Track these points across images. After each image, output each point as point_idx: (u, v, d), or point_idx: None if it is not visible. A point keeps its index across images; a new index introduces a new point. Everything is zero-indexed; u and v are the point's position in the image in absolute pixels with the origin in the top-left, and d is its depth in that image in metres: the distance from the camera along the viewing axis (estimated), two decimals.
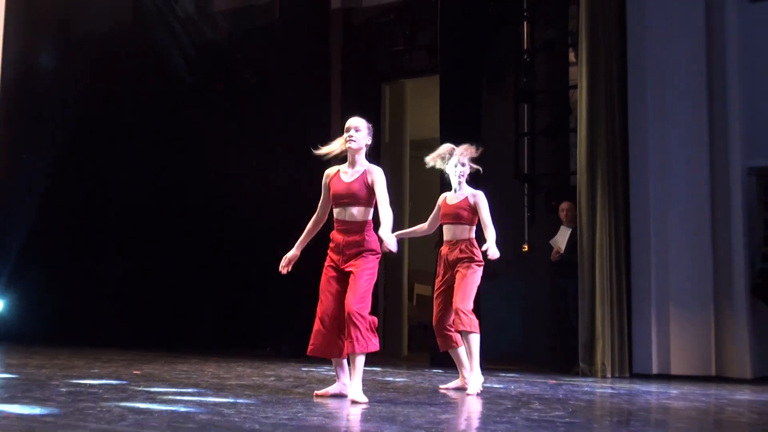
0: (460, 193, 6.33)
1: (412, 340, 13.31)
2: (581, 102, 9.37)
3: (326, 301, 5.22)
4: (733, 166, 9.20)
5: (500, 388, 6.70)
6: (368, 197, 5.26)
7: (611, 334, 8.89)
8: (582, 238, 9.12)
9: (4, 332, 11.94)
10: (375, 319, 5.12)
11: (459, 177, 6.29)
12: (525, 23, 11.23)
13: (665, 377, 8.96)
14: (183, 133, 12.80)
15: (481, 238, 6.26)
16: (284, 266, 5.52)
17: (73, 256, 12.70)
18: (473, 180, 6.57)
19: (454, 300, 6.10)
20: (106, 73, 12.52)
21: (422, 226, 6.60)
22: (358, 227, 5.25)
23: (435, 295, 6.44)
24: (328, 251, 5.34)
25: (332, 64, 11.75)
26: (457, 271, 6.19)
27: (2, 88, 10.06)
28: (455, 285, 6.16)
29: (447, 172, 6.40)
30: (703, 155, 9.29)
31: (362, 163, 5.34)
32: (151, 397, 4.81)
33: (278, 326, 11.06)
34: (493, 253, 6.07)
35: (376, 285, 5.35)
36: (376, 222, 5.21)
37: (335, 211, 5.33)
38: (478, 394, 5.90)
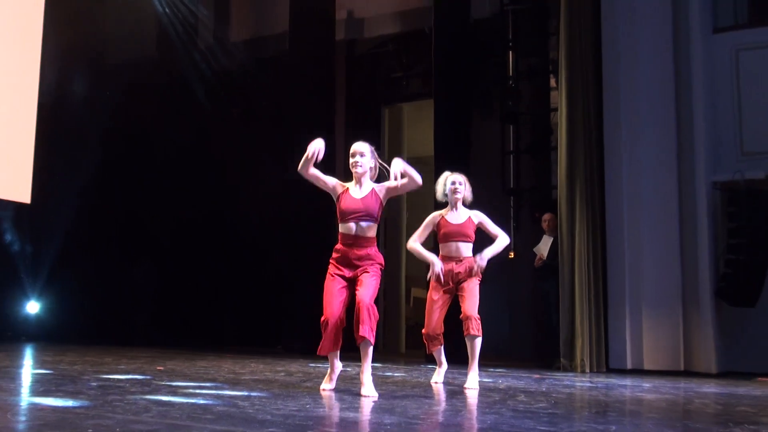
0: (460, 213, 6.16)
1: (409, 338, 13.28)
2: (561, 123, 9.38)
3: (332, 307, 5.04)
4: (698, 181, 9.21)
5: (489, 382, 6.68)
6: (378, 213, 5.18)
7: (589, 333, 8.88)
8: (562, 246, 9.11)
9: (40, 332, 11.95)
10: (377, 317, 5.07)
11: (456, 195, 6.14)
12: (510, 53, 11.26)
13: (639, 372, 8.93)
14: (203, 152, 12.84)
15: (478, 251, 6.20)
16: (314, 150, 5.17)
17: (103, 262, 12.71)
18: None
19: (465, 308, 5.94)
20: (134, 98, 12.56)
21: (415, 246, 6.25)
22: (367, 242, 5.13)
23: (431, 302, 6.18)
24: (333, 261, 5.19)
25: (337, 90, 11.79)
26: (467, 279, 6.03)
27: (40, 111, 10.06)
28: (466, 293, 5.99)
29: (444, 192, 6.24)
30: (671, 171, 9.30)
31: (369, 183, 5.25)
32: (173, 391, 4.79)
33: (288, 326, 11.04)
34: (482, 259, 6.02)
35: (379, 289, 5.29)
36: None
37: (344, 226, 5.15)
38: (473, 388, 5.86)
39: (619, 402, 5.54)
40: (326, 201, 5.54)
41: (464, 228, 6.10)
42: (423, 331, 6.26)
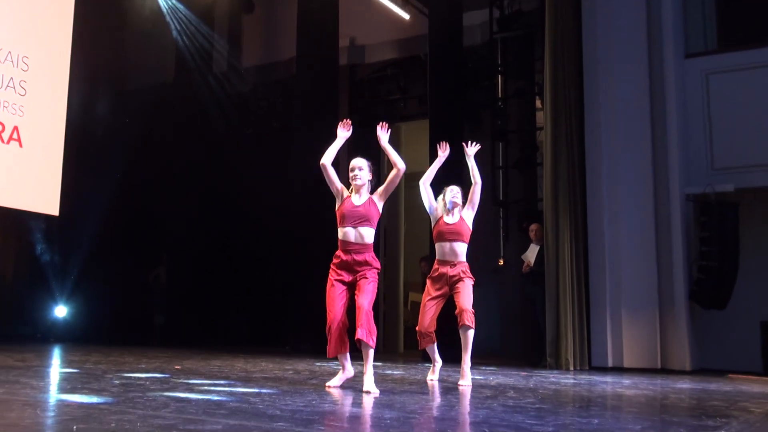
0: (455, 215, 6.17)
1: (407, 339, 13.25)
2: (546, 141, 9.39)
3: (335, 311, 5.09)
4: (672, 193, 9.22)
5: (481, 379, 6.66)
6: (376, 218, 5.23)
7: (573, 334, 8.86)
8: (548, 254, 9.10)
9: (67, 334, 11.93)
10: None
11: (453, 199, 6.18)
12: (499, 76, 11.29)
13: (619, 369, 8.91)
14: (218, 167, 12.86)
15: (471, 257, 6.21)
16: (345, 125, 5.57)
17: (126, 269, 12.72)
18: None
19: (460, 302, 5.91)
20: (154, 119, 12.60)
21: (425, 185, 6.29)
22: (365, 248, 5.16)
23: (426, 302, 6.19)
24: (333, 267, 5.22)
25: (340, 110, 11.80)
26: (461, 280, 6.00)
27: (67, 130, 10.07)
28: (460, 291, 5.96)
29: (445, 201, 6.26)
30: (648, 184, 9.30)
31: (366, 194, 5.30)
32: (190, 388, 4.77)
33: (296, 328, 11.01)
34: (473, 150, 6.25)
35: (377, 293, 5.30)
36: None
37: (343, 232, 5.20)
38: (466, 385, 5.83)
39: (601, 397, 5.52)
40: (330, 211, 5.55)
41: (458, 227, 6.08)
42: (416, 328, 6.25)
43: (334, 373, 6.25)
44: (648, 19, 9.56)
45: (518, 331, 10.75)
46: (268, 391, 4.75)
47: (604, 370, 8.84)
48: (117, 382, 5.00)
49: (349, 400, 4.49)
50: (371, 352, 5.00)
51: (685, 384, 6.98)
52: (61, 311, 12.19)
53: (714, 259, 8.95)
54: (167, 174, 12.72)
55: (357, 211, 5.17)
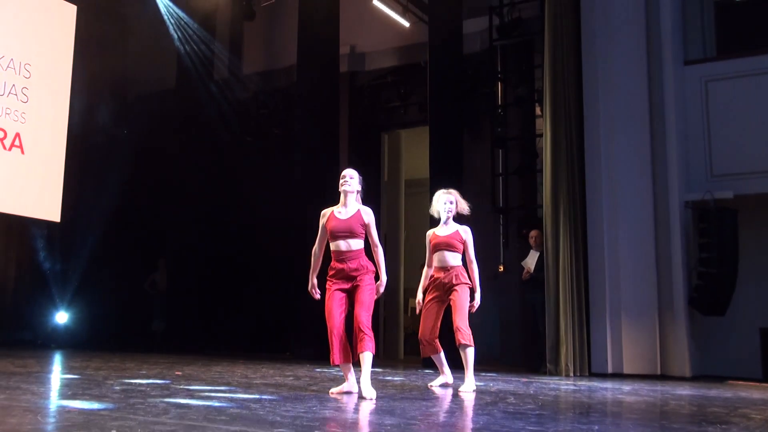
0: (450, 226, 6.20)
1: (407, 345, 13.24)
2: (546, 148, 9.39)
3: (334, 319, 5.16)
4: (672, 200, 9.22)
5: (481, 385, 6.64)
6: (362, 231, 5.30)
7: (573, 340, 8.84)
8: (548, 260, 9.10)
9: (68, 340, 11.93)
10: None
11: (447, 213, 6.20)
12: (499, 83, 11.29)
13: (618, 376, 8.90)
14: (219, 174, 12.88)
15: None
16: (315, 293, 5.46)
17: (127, 275, 12.72)
18: (457, 214, 6.49)
19: (454, 318, 5.97)
20: (155, 126, 12.61)
21: (427, 270, 6.31)
22: (357, 254, 5.28)
23: (425, 310, 6.22)
24: (330, 278, 5.30)
25: (341, 117, 11.81)
26: (454, 290, 6.05)
27: (69, 137, 10.09)
28: (454, 304, 6.01)
29: (438, 209, 6.28)
30: (647, 191, 9.30)
31: (354, 204, 5.37)
32: (191, 394, 4.77)
33: (296, 334, 11.00)
34: (477, 304, 6.13)
35: (377, 299, 5.35)
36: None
37: (334, 244, 5.30)
38: (467, 392, 5.85)
39: (601, 403, 5.51)
40: None
41: (450, 239, 6.15)
42: (419, 336, 6.27)
43: (334, 380, 6.25)
44: (647, 26, 9.57)
45: (518, 338, 10.74)
46: (269, 397, 4.74)
47: (603, 376, 8.82)
48: (118, 388, 5.00)
49: (349, 407, 4.48)
50: (369, 359, 5.05)
51: (685, 390, 6.96)
52: (62, 317, 12.19)
53: (713, 265, 8.94)
54: (168, 180, 12.73)
55: (342, 225, 5.27)
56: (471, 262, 6.19)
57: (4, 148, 9.23)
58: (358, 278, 5.20)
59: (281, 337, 11.64)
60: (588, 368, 8.98)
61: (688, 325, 9.02)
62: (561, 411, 4.85)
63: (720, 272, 8.92)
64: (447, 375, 6.36)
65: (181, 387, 5.27)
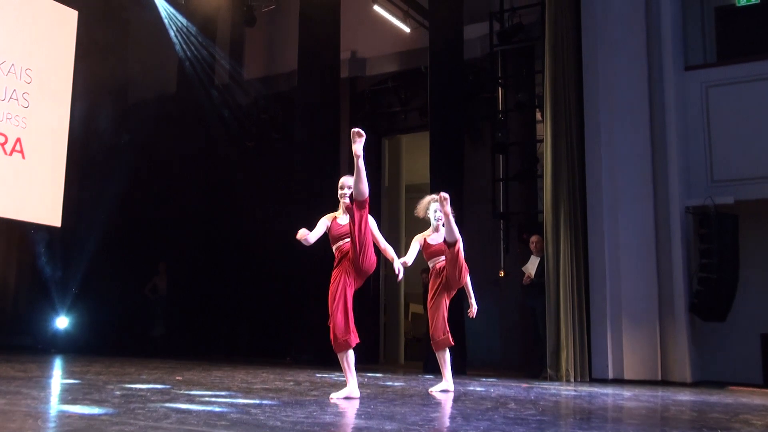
0: (440, 233, 6.20)
1: (408, 350, 13.24)
2: (546, 153, 9.40)
3: (340, 300, 5.22)
4: (673, 205, 9.22)
5: (481, 391, 6.64)
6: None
7: (573, 345, 8.84)
8: (548, 265, 9.10)
9: (69, 345, 11.92)
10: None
11: (437, 221, 6.22)
12: (500, 88, 11.32)
13: (619, 381, 8.88)
14: (220, 180, 12.88)
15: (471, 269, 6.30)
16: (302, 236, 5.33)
17: (127, 280, 12.72)
18: (456, 218, 6.49)
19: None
20: (156, 131, 12.62)
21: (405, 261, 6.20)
22: None
23: (432, 306, 6.28)
24: (336, 267, 5.37)
25: (341, 123, 11.82)
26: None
27: (70, 141, 10.10)
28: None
29: (429, 216, 6.30)
30: (648, 196, 9.31)
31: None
32: (191, 399, 4.76)
33: (296, 339, 11.00)
34: (476, 308, 6.34)
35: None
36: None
37: (337, 244, 5.41)
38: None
39: (602, 409, 5.50)
40: None
41: (442, 246, 6.21)
42: (430, 331, 6.34)
43: (335, 385, 6.24)
44: (647, 32, 9.59)
45: (519, 343, 10.73)
46: (269, 402, 4.73)
47: (604, 381, 8.81)
48: (118, 393, 4.99)
49: (349, 412, 4.48)
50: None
51: (685, 396, 6.95)
52: (62, 322, 12.18)
53: (714, 271, 8.93)
54: (169, 186, 12.74)
55: (344, 230, 5.38)
56: (465, 271, 6.20)
57: (5, 153, 9.24)
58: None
59: (281, 342, 11.64)
60: (589, 374, 8.98)
61: (689, 330, 9.01)
62: (562, 417, 4.85)
63: (721, 278, 8.91)
64: (448, 381, 6.36)
65: (182, 392, 5.26)
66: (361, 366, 5.04)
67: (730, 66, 9.82)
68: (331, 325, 5.21)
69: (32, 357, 9.79)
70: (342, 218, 5.44)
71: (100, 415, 3.82)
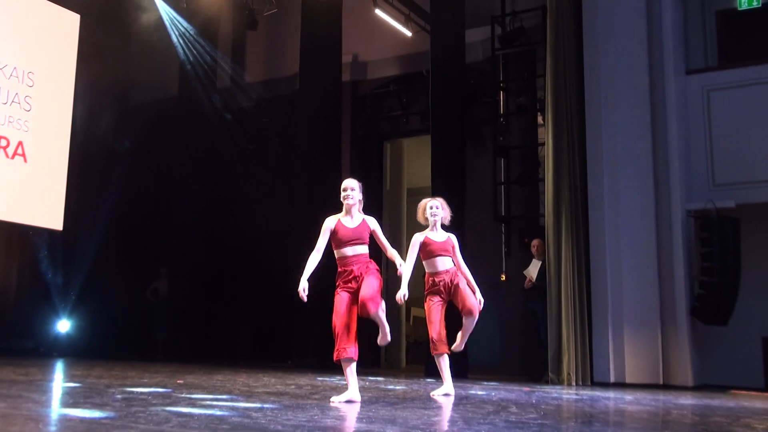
0: (440, 233, 6.35)
1: (410, 354, 13.22)
2: (548, 157, 9.41)
3: (344, 317, 5.31)
4: (674, 209, 9.22)
5: (483, 394, 6.63)
6: (367, 238, 5.51)
7: (575, 349, 8.83)
8: (550, 269, 9.10)
9: (70, 348, 11.92)
10: None
11: (434, 218, 6.33)
12: (501, 93, 11.33)
13: (621, 385, 8.88)
14: (221, 184, 12.88)
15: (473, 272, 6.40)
16: (302, 296, 5.46)
17: (128, 284, 12.71)
18: (454, 223, 6.59)
19: (467, 301, 6.14)
20: (157, 135, 12.63)
21: (409, 265, 6.30)
22: (361, 259, 5.46)
23: (432, 309, 6.30)
24: (341, 280, 5.42)
25: (343, 126, 11.83)
26: (457, 285, 6.20)
27: (72, 144, 10.11)
28: (461, 292, 6.17)
29: (426, 215, 6.39)
30: (649, 200, 9.30)
31: (358, 214, 5.55)
32: (192, 403, 4.76)
33: (298, 343, 10.99)
34: (482, 301, 6.29)
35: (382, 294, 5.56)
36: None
37: (340, 251, 5.45)
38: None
39: (604, 413, 5.50)
40: None
41: (446, 245, 6.34)
42: (431, 335, 6.32)
43: (336, 388, 6.24)
44: (649, 36, 9.59)
45: (520, 347, 10.72)
46: (270, 406, 4.73)
47: (606, 385, 8.80)
48: (119, 396, 4.99)
49: (350, 415, 4.48)
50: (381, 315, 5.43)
51: (687, 400, 6.95)
52: (64, 326, 12.19)
53: (715, 274, 8.93)
54: (170, 189, 12.75)
55: (351, 233, 5.45)
56: (462, 266, 6.37)
57: (7, 156, 9.25)
58: (361, 276, 5.37)
59: (283, 346, 11.63)
60: (590, 377, 8.96)
61: (691, 334, 9.01)
62: (563, 420, 4.84)
63: (722, 282, 8.91)
64: (448, 385, 6.36)
65: (183, 396, 5.26)
66: (362, 369, 5.05)
67: (731, 70, 9.82)
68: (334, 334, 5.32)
69: (34, 360, 9.79)
70: (347, 221, 5.49)
71: (101, 418, 3.82)
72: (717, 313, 9.01)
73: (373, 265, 5.48)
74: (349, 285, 5.38)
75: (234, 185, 12.81)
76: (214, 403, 4.83)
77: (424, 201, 6.46)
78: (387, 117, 12.75)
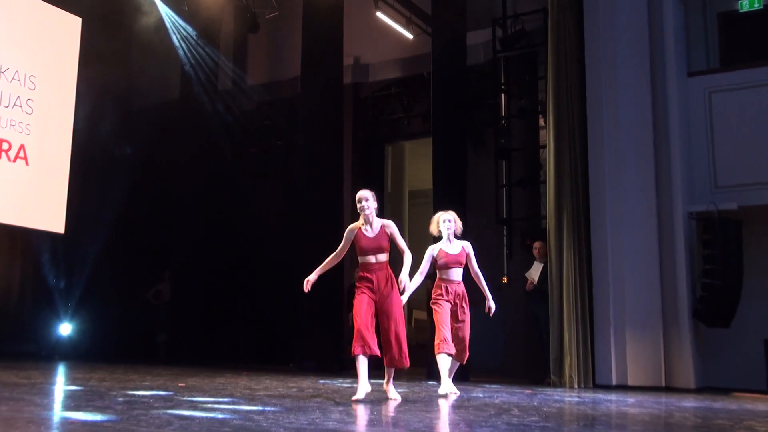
0: (455, 244, 6.71)
1: (411, 356, 13.18)
2: (549, 159, 9.40)
3: (364, 316, 5.69)
4: (676, 211, 9.21)
5: (484, 397, 6.63)
6: (388, 245, 5.88)
7: (577, 351, 8.82)
8: (551, 271, 9.09)
9: (72, 351, 11.92)
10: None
11: (448, 231, 6.70)
12: (502, 95, 11.33)
13: (623, 387, 8.86)
14: (223, 185, 12.89)
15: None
16: (306, 286, 5.88)
17: (130, 287, 12.73)
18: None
19: (465, 337, 6.68)
20: (159, 138, 12.64)
21: (419, 277, 6.60)
22: (382, 266, 5.87)
23: (443, 312, 6.57)
24: (363, 284, 5.82)
25: (344, 129, 11.84)
26: (464, 312, 6.69)
27: (73, 148, 10.13)
28: (464, 323, 6.69)
29: (439, 228, 6.75)
30: (651, 202, 9.29)
31: (377, 221, 5.89)
32: (194, 406, 4.77)
33: (299, 346, 10.98)
34: (494, 307, 6.86)
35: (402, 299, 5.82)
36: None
37: (363, 258, 5.85)
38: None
39: (606, 416, 5.49)
40: (334, 228, 5.64)
41: (459, 257, 6.73)
42: (437, 339, 6.58)
43: (338, 391, 6.26)
44: (650, 38, 9.59)
45: (522, 349, 10.71)
46: (272, 409, 4.74)
47: (608, 388, 8.79)
48: (121, 399, 5.00)
49: (352, 417, 4.48)
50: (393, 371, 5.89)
51: (689, 402, 6.94)
52: (65, 329, 12.19)
53: (718, 277, 8.91)
54: (172, 192, 12.76)
55: (372, 243, 5.84)
56: (478, 273, 6.79)
57: (9, 159, 9.27)
58: (384, 292, 5.77)
59: (284, 349, 11.63)
60: (592, 380, 8.95)
61: (693, 336, 8.99)
62: (565, 423, 4.84)
63: (724, 284, 8.89)
64: (447, 385, 6.46)
65: (185, 398, 5.27)
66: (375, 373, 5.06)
67: (733, 72, 9.81)
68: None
69: (35, 364, 9.80)
70: (367, 230, 5.84)
71: (103, 421, 3.82)
72: (719, 315, 9.00)
73: (392, 277, 5.82)
74: (368, 291, 5.77)
75: (236, 188, 12.82)
76: (216, 406, 4.84)
77: (437, 214, 6.85)
78: (388, 119, 12.77)
